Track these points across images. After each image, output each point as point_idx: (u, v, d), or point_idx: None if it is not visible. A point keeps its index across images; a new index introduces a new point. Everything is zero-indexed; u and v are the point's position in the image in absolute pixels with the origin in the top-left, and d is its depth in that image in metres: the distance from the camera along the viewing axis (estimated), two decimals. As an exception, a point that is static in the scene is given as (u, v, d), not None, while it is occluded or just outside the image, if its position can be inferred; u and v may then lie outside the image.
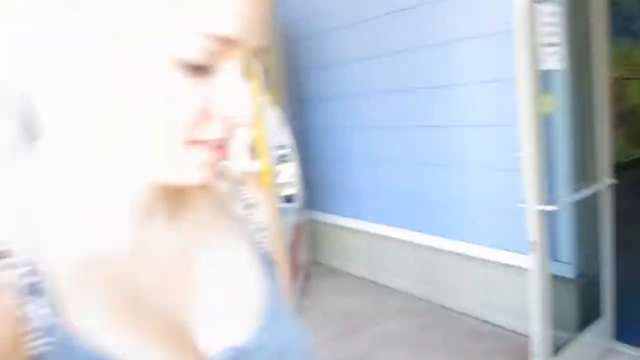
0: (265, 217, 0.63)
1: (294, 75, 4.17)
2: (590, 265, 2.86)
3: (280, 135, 3.14)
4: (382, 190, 3.78)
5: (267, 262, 0.60)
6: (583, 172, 2.67)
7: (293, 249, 3.50)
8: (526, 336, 2.76)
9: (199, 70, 0.39)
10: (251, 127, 0.42)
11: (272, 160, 3.06)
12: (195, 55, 0.38)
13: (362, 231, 3.98)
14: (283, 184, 3.16)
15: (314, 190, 4.29)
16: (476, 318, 3.26)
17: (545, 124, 2.17)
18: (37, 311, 0.41)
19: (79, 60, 0.40)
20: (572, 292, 2.78)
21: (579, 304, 2.78)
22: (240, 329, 0.53)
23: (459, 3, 2.98)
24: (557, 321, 2.36)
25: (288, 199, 3.24)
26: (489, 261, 3.13)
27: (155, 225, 0.51)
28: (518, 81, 2.02)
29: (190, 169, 0.44)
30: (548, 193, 2.22)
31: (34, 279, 0.42)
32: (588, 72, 2.50)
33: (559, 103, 2.48)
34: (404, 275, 3.70)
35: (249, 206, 0.62)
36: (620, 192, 2.78)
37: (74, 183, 0.46)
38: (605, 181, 2.63)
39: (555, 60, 2.14)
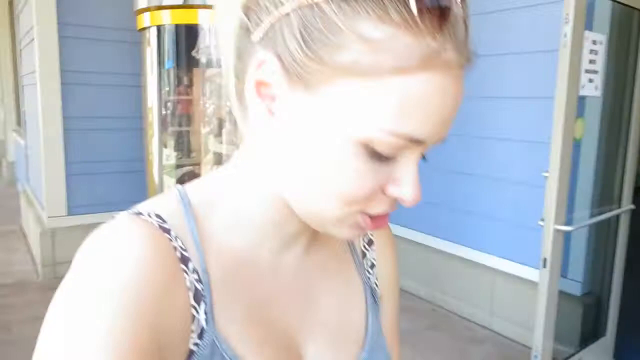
0: (379, 255, 0.67)
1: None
2: (596, 285, 2.93)
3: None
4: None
5: (374, 297, 0.64)
6: (604, 196, 2.73)
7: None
8: (527, 347, 2.84)
9: (384, 157, 0.43)
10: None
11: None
12: (385, 149, 0.42)
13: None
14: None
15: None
16: (479, 324, 3.34)
17: (574, 146, 2.21)
18: (197, 315, 0.47)
19: (293, 121, 0.45)
20: (577, 310, 2.86)
21: (582, 321, 2.85)
22: (344, 357, 0.58)
23: (505, 18, 3.00)
24: (559, 336, 2.43)
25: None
26: (498, 271, 3.20)
27: (294, 253, 0.57)
28: (556, 104, 2.06)
29: (347, 230, 0.48)
30: (567, 213, 2.28)
31: (199, 286, 0.48)
32: (622, 100, 2.53)
33: (590, 128, 2.52)
34: (411, 276, 3.77)
35: (369, 242, 0.67)
36: (633, 216, 2.84)
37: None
38: (625, 206, 2.69)
39: (592, 87, 2.18)
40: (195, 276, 0.48)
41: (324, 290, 0.59)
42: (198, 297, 0.47)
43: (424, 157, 0.47)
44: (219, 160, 3.94)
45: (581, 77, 2.10)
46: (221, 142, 3.91)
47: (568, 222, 2.29)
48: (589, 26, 2.10)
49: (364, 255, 0.66)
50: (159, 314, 0.43)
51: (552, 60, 2.25)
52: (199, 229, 0.50)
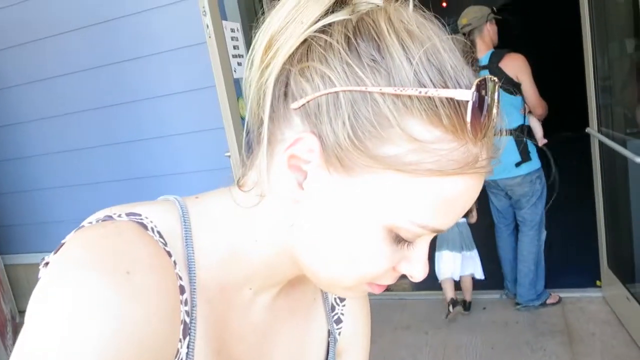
0: (349, 313, 0.68)
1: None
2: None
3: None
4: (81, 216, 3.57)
5: (334, 351, 0.65)
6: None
7: (-5, 301, 3.03)
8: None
9: (404, 241, 0.46)
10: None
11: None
12: (409, 236, 0.45)
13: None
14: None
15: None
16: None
17: (243, 123, 2.47)
18: (180, 349, 0.46)
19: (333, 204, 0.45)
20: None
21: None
22: None
23: (152, 20, 3.02)
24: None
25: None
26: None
27: (270, 293, 0.56)
28: (218, 90, 2.25)
29: (354, 294, 0.52)
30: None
31: (187, 319, 0.47)
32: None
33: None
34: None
35: (341, 298, 0.67)
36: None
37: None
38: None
39: (242, 70, 2.45)
40: (187, 308, 0.46)
41: (285, 332, 0.60)
42: (185, 331, 0.46)
43: None
44: None
45: (232, 61, 2.34)
46: None
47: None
48: (223, 16, 2.34)
49: (333, 308, 0.67)
50: (157, 350, 0.41)
51: (201, 52, 2.41)
52: (195, 258, 0.48)
